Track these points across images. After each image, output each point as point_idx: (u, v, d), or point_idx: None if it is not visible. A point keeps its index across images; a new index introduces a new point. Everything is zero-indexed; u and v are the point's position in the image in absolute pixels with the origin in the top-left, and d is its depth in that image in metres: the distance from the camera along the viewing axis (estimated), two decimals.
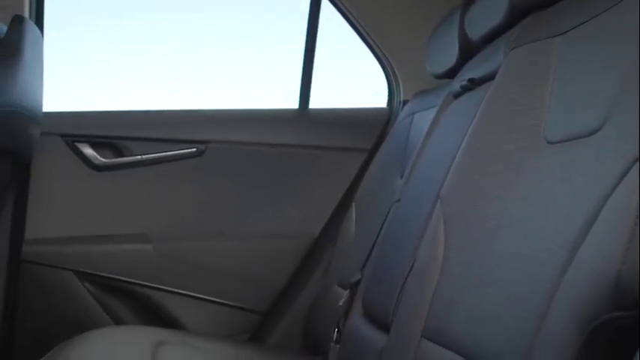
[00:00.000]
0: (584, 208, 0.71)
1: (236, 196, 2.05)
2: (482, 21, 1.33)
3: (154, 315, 1.96)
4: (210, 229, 2.03)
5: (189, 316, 1.97)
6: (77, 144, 1.97)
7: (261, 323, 2.01)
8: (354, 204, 1.92)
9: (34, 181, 1.95)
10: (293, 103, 2.15)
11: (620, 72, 0.77)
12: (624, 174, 0.67)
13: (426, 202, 1.24)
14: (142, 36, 2.59)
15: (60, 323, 1.90)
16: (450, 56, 1.57)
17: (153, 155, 2.00)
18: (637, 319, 0.61)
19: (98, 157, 1.98)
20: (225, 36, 2.60)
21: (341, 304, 1.53)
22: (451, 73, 1.56)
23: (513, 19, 1.19)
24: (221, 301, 1.99)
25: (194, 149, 2.02)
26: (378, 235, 1.56)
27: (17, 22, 1.64)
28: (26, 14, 1.89)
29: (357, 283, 1.53)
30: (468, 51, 1.48)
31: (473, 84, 1.33)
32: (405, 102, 2.02)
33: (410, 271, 1.16)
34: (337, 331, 1.53)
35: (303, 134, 2.09)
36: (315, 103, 2.15)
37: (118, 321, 1.95)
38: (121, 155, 1.99)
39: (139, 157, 1.99)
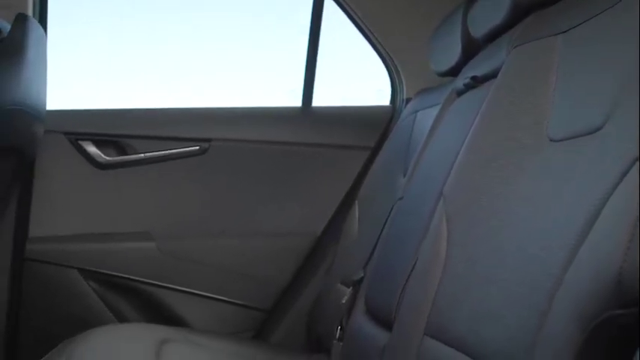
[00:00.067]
0: (586, 206, 0.71)
1: (239, 194, 2.05)
2: (484, 19, 1.34)
3: (158, 313, 1.97)
4: (213, 227, 2.03)
5: (192, 313, 1.97)
6: (81, 142, 1.97)
7: (265, 321, 2.02)
8: (356, 202, 1.92)
9: (37, 179, 1.95)
10: (295, 102, 2.15)
11: (620, 72, 0.77)
12: (625, 174, 0.68)
13: (428, 200, 1.24)
14: (143, 35, 2.60)
15: (64, 321, 1.90)
16: (452, 54, 1.57)
17: (156, 153, 2.00)
18: (638, 317, 0.61)
19: (102, 155, 1.98)
20: (225, 36, 2.60)
21: (344, 301, 1.53)
22: (454, 71, 1.56)
23: (516, 17, 1.19)
24: (225, 298, 2.00)
25: (197, 147, 2.02)
26: (380, 233, 1.56)
27: (21, 20, 1.64)
28: (30, 13, 1.89)
29: (360, 280, 1.53)
30: (471, 49, 1.49)
31: (476, 82, 1.33)
32: (408, 100, 2.01)
33: (412, 269, 1.16)
34: (340, 328, 1.53)
35: (306, 132, 2.09)
36: (318, 100, 2.15)
37: (121, 319, 1.95)
38: (125, 153, 2.00)
39: (143, 155, 1.99)
